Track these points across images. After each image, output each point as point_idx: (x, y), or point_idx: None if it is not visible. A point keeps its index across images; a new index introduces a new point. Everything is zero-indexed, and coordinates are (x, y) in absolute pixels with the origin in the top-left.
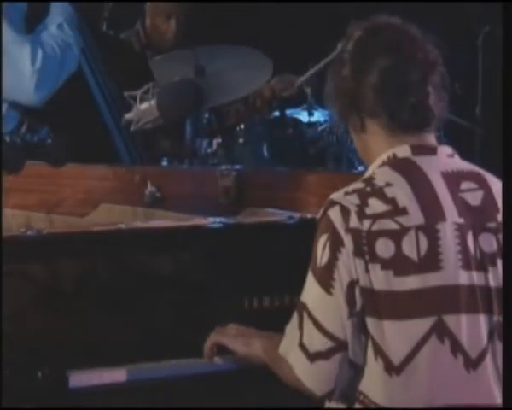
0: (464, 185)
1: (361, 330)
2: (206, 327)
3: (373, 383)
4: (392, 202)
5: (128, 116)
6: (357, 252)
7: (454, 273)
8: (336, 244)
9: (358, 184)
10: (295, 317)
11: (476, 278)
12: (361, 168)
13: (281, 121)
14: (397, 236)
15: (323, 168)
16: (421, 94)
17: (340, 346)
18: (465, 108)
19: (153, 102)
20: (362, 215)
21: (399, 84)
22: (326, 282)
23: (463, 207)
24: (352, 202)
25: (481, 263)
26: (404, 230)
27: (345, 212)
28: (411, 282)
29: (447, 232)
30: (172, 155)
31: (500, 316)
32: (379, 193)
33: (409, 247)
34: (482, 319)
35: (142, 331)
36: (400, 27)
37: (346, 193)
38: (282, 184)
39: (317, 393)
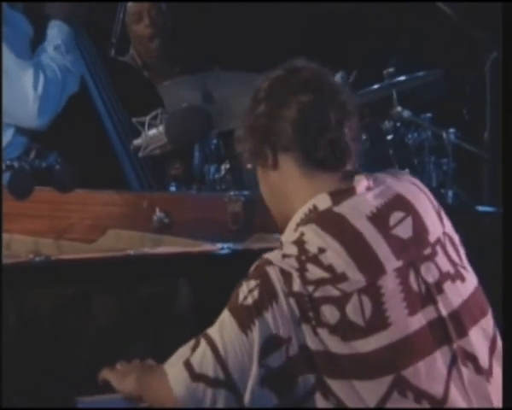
0: (392, 219)
1: (320, 389)
2: None
3: None
4: (329, 269)
5: (136, 142)
6: (303, 317)
7: (403, 325)
8: (269, 297)
9: (291, 249)
10: (191, 341)
11: (424, 316)
12: None
13: None
14: (340, 302)
15: None
16: (338, 133)
17: (230, 386)
18: (473, 134)
19: (161, 128)
20: (304, 280)
21: (318, 120)
22: (245, 322)
23: (398, 245)
24: (292, 265)
25: (428, 297)
26: (346, 296)
27: (286, 275)
28: (362, 345)
29: (389, 285)
30: (180, 180)
31: (461, 339)
32: (315, 260)
33: (353, 312)
34: (439, 355)
35: (153, 358)
36: (319, 69)
37: (284, 256)
38: None
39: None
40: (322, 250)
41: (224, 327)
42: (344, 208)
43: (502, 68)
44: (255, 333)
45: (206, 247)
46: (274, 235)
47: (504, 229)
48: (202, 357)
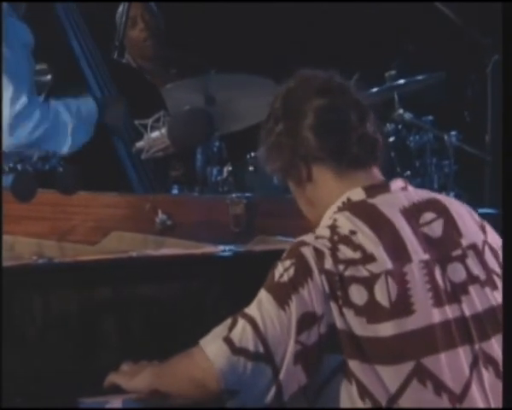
0: (423, 218)
1: (339, 370)
2: None
3: None
4: (359, 248)
5: (139, 144)
6: (332, 295)
7: (427, 314)
8: (305, 274)
9: (324, 231)
10: (227, 321)
11: (450, 312)
12: None
13: None
14: (368, 282)
15: None
16: (363, 129)
17: (270, 360)
18: (474, 136)
19: (163, 130)
20: (335, 259)
21: (338, 120)
22: (282, 298)
23: (426, 242)
24: (325, 244)
25: (453, 295)
26: (374, 277)
27: (319, 253)
28: (385, 329)
29: (415, 273)
30: (183, 182)
31: (483, 342)
32: (346, 240)
33: (380, 293)
34: (461, 352)
35: (156, 359)
36: (328, 74)
37: (317, 237)
38: (293, 212)
39: (221, 384)
40: (352, 232)
41: (262, 304)
42: (377, 200)
43: (502, 70)
44: (292, 309)
45: (209, 249)
46: (275, 237)
47: (504, 229)
48: (242, 332)
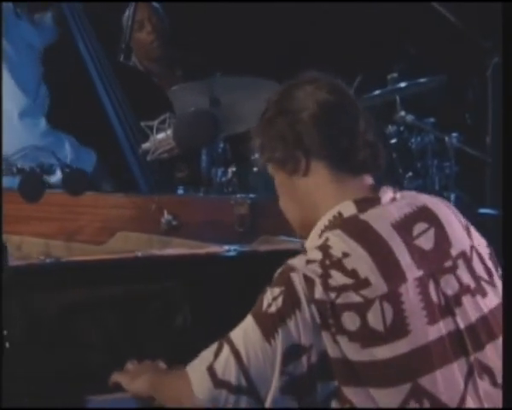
0: (416, 230)
1: (335, 397)
2: None
3: None
4: (352, 273)
5: (145, 146)
6: (323, 324)
7: (422, 333)
8: (293, 305)
9: (316, 254)
10: (214, 345)
11: (444, 327)
12: None
13: None
14: (362, 309)
15: None
16: (368, 136)
17: (252, 393)
18: (475, 138)
19: (169, 132)
20: (326, 286)
21: (343, 120)
22: (268, 330)
23: (420, 256)
24: (315, 271)
25: (447, 308)
26: (368, 302)
27: (309, 281)
28: (381, 352)
29: (410, 293)
30: (188, 183)
31: (477, 352)
32: (338, 265)
33: (374, 319)
34: (456, 367)
35: (162, 359)
36: (335, 80)
37: (308, 261)
38: None
39: None
40: (346, 255)
41: (247, 334)
42: (369, 216)
43: (502, 72)
44: (278, 342)
45: (213, 249)
46: (279, 237)
47: (504, 230)
48: (225, 364)
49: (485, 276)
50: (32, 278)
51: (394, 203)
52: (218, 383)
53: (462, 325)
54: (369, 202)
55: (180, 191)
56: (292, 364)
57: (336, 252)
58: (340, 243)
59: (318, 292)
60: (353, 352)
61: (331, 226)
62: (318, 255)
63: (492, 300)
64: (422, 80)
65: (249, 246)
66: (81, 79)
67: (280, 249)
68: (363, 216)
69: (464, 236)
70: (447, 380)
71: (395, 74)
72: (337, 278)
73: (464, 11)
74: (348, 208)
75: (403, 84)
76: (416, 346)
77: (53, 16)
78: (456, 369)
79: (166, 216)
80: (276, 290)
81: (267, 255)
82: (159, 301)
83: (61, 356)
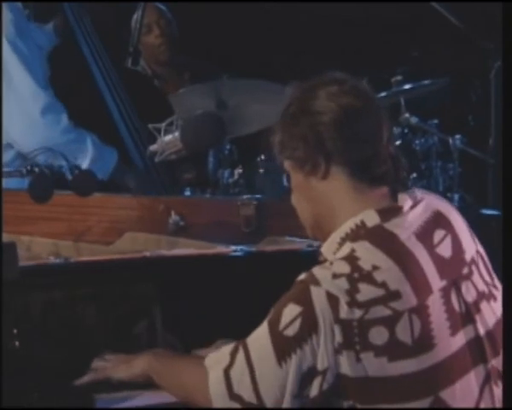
0: (436, 238)
1: None
2: None
3: None
4: (382, 286)
5: (153, 148)
6: (346, 344)
7: (446, 345)
8: (310, 329)
9: (343, 267)
10: (232, 345)
11: (464, 336)
12: None
13: None
14: (390, 322)
15: None
16: (391, 148)
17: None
18: (478, 140)
19: (176, 134)
20: (353, 303)
21: (367, 126)
22: (282, 353)
23: (442, 265)
24: (342, 287)
25: (467, 316)
26: (397, 315)
27: (333, 300)
28: (407, 366)
29: (436, 305)
30: (195, 185)
31: (494, 358)
32: (368, 278)
33: (402, 332)
34: (473, 375)
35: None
36: (361, 82)
37: (334, 275)
38: None
39: None
40: (375, 268)
41: (262, 349)
42: (394, 226)
43: (502, 74)
44: (290, 366)
45: (220, 249)
46: (285, 237)
47: (504, 230)
48: (240, 377)
49: (489, 280)
50: (41, 277)
51: (413, 211)
52: (232, 395)
53: (482, 332)
54: (391, 211)
55: (187, 193)
56: (304, 388)
57: (365, 265)
58: (368, 254)
59: (343, 311)
60: (377, 368)
61: (354, 236)
62: (346, 268)
63: (500, 303)
64: (426, 82)
65: (255, 246)
66: (85, 80)
67: (286, 250)
68: (389, 226)
69: (471, 240)
70: (464, 390)
71: (399, 77)
72: (366, 293)
73: (467, 13)
74: (371, 218)
75: (407, 87)
76: (440, 359)
77: (54, 25)
78: (473, 378)
79: (174, 217)
80: (295, 310)
81: (273, 256)
82: (166, 301)
83: (69, 355)
